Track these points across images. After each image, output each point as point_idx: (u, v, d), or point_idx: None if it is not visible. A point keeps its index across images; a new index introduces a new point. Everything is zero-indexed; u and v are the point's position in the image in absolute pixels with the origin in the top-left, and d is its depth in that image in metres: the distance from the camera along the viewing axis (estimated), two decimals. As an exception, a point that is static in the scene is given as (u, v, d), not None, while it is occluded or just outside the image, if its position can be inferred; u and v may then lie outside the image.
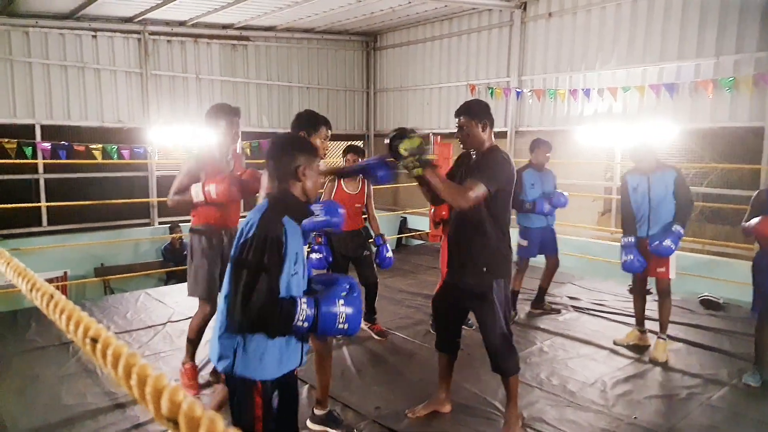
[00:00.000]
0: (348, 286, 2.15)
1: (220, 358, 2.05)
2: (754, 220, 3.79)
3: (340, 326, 2.06)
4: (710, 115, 6.78)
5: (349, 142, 4.64)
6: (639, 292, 4.63)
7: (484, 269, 3.00)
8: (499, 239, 3.02)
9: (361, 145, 11.67)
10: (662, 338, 4.39)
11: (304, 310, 1.98)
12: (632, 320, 5.09)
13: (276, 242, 1.97)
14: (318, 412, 3.25)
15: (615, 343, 4.64)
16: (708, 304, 5.72)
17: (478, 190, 2.82)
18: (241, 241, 2.00)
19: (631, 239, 4.33)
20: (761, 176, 6.45)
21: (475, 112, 3.03)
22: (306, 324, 1.99)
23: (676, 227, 4.14)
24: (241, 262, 1.96)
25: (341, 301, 2.07)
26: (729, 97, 6.59)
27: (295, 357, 2.16)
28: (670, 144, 7.31)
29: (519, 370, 3.15)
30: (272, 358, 2.05)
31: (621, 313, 5.46)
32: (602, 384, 3.91)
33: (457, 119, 3.08)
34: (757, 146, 6.51)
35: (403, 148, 2.79)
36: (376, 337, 4.70)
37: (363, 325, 4.64)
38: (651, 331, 4.64)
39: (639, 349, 4.51)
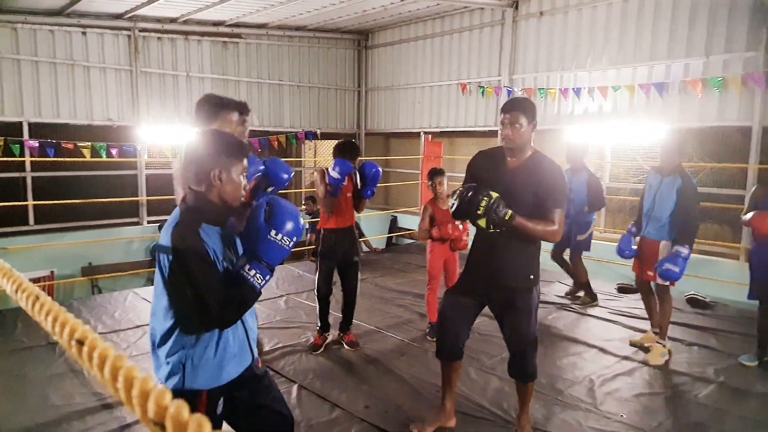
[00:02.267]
0: (265, 208, 1.97)
1: (168, 377, 1.90)
2: (749, 215, 4.19)
3: (288, 248, 1.94)
4: (699, 115, 6.83)
5: (342, 140, 4.51)
6: (644, 292, 4.57)
7: (531, 276, 2.92)
8: (538, 246, 2.99)
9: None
10: (660, 342, 4.36)
11: (256, 276, 1.87)
12: (619, 318, 5.15)
13: (200, 254, 1.82)
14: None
15: (630, 344, 4.61)
16: (695, 302, 5.77)
17: (562, 218, 2.84)
18: (165, 263, 1.83)
19: (632, 228, 4.57)
20: (748, 175, 6.51)
21: (531, 110, 2.87)
22: (268, 277, 1.91)
23: (678, 248, 4.03)
24: (179, 284, 1.82)
25: (273, 232, 1.91)
26: (718, 97, 6.64)
27: (245, 356, 2.05)
28: (659, 143, 7.34)
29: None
30: (218, 364, 1.94)
31: (609, 311, 5.51)
32: (590, 382, 3.94)
33: (506, 114, 2.84)
34: (745, 146, 6.57)
35: (483, 206, 2.68)
36: (347, 347, 4.47)
37: (337, 335, 4.56)
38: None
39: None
